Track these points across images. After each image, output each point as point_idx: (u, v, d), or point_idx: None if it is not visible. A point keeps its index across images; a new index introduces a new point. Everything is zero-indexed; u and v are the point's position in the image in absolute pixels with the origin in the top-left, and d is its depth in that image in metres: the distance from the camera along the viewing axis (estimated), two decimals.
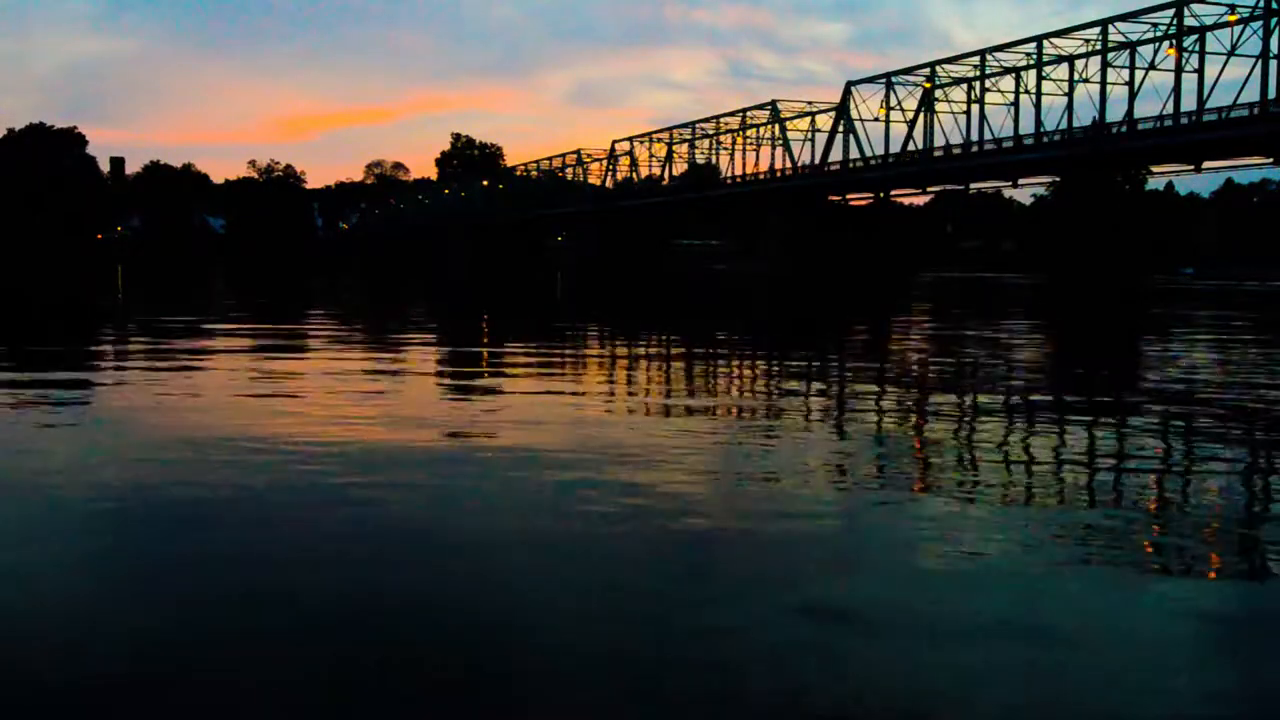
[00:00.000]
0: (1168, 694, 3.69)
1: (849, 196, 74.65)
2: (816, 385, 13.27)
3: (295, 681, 3.65)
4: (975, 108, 62.90)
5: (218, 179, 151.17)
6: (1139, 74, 54.62)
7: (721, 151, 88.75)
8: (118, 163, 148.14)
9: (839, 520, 6.00)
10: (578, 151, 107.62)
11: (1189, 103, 51.08)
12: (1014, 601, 4.58)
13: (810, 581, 4.77)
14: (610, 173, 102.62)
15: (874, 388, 13.01)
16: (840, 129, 71.30)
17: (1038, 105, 59.76)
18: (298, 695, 3.56)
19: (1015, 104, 61.19)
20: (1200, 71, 51.51)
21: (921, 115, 66.09)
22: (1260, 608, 4.68)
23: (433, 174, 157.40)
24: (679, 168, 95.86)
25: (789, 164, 77.35)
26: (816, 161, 74.25)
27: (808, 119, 78.09)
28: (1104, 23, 55.50)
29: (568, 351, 18.03)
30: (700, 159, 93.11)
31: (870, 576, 4.88)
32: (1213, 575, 5.14)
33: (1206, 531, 5.85)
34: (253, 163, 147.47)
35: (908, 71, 67.90)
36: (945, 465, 7.65)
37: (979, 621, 4.30)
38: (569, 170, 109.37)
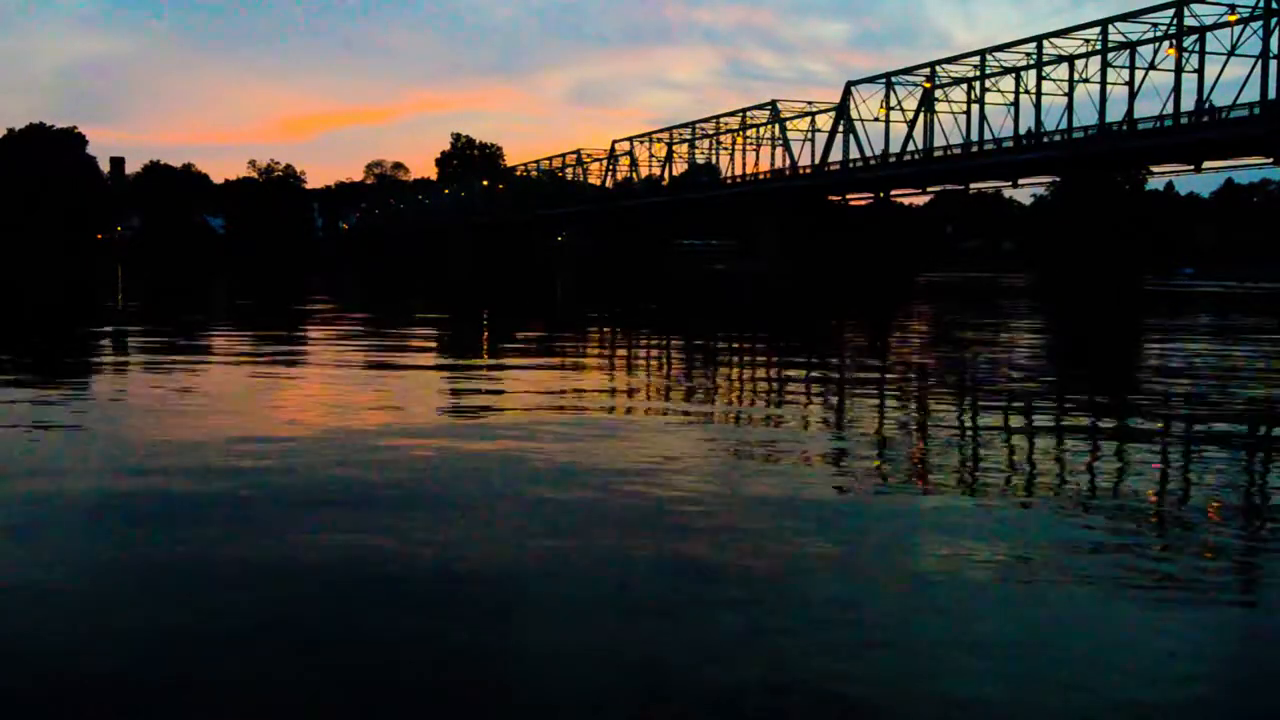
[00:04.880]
0: None
1: (849, 196, 74.57)
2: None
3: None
4: (975, 108, 62.88)
5: (218, 179, 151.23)
6: (1139, 74, 54.65)
7: (721, 151, 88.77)
8: (118, 163, 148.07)
9: None
10: (578, 151, 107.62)
11: (1189, 103, 51.18)
12: None
13: None
14: (610, 173, 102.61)
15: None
16: (840, 129, 71.24)
17: (1038, 105, 59.72)
18: None
19: (1015, 104, 61.16)
20: (1200, 71, 51.48)
21: (921, 115, 66.02)
22: None
23: (433, 174, 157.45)
24: (679, 168, 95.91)
25: (789, 164, 77.35)
26: (816, 161, 74.20)
27: (808, 119, 78.07)
28: (1104, 23, 55.46)
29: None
30: (700, 159, 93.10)
31: None
32: None
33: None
34: (253, 163, 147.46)
35: (908, 71, 67.84)
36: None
37: None
38: (569, 170, 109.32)
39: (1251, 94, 47.98)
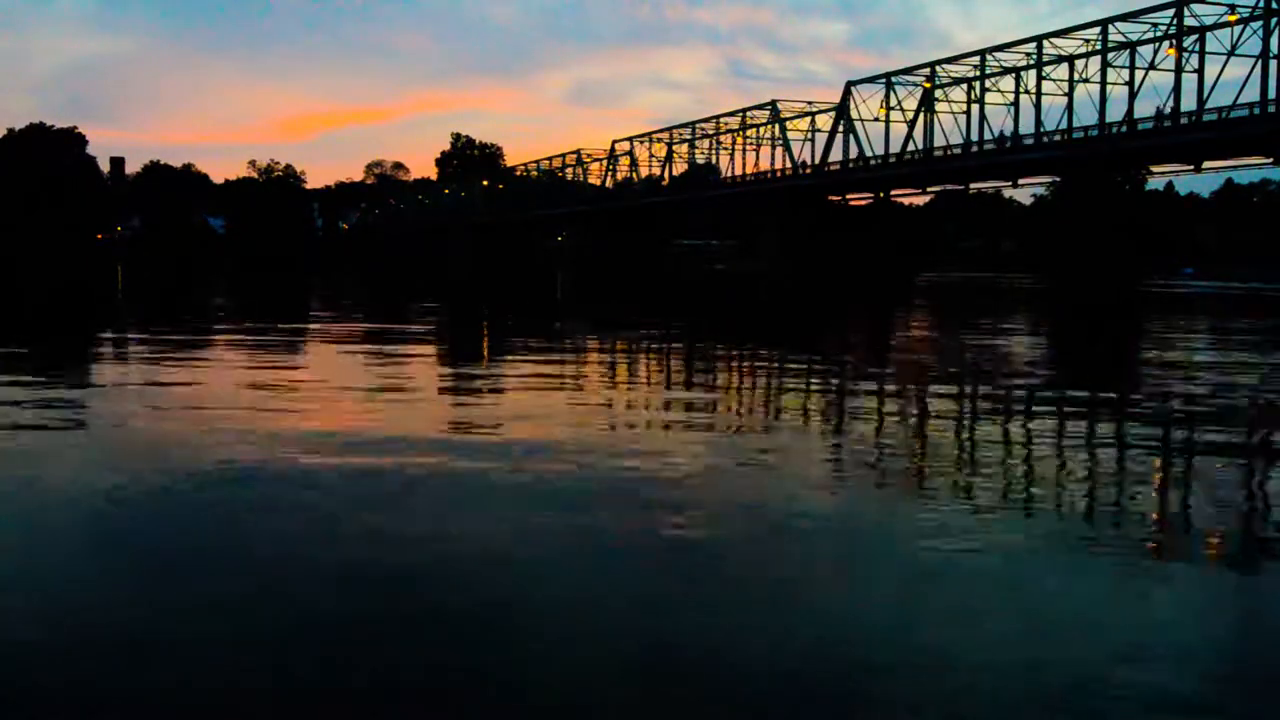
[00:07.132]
0: None
1: (849, 196, 74.54)
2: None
3: None
4: (975, 108, 62.81)
5: (218, 179, 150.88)
6: (1139, 74, 54.60)
7: (721, 151, 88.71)
8: (118, 163, 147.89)
9: None
10: (578, 151, 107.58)
11: (1189, 103, 51.14)
12: None
13: None
14: (610, 173, 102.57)
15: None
16: (840, 129, 71.18)
17: (1038, 105, 59.63)
18: None
19: (1015, 104, 61.10)
20: (1200, 71, 51.42)
21: (921, 115, 65.96)
22: None
23: (433, 174, 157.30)
24: (679, 168, 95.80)
25: (789, 164, 77.30)
26: (816, 161, 74.16)
27: (808, 119, 77.99)
28: (1104, 23, 55.40)
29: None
30: (700, 159, 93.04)
31: None
32: None
33: None
34: (253, 163, 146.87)
35: (908, 71, 67.79)
36: None
37: None
38: (569, 170, 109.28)
39: (1251, 94, 48.01)
